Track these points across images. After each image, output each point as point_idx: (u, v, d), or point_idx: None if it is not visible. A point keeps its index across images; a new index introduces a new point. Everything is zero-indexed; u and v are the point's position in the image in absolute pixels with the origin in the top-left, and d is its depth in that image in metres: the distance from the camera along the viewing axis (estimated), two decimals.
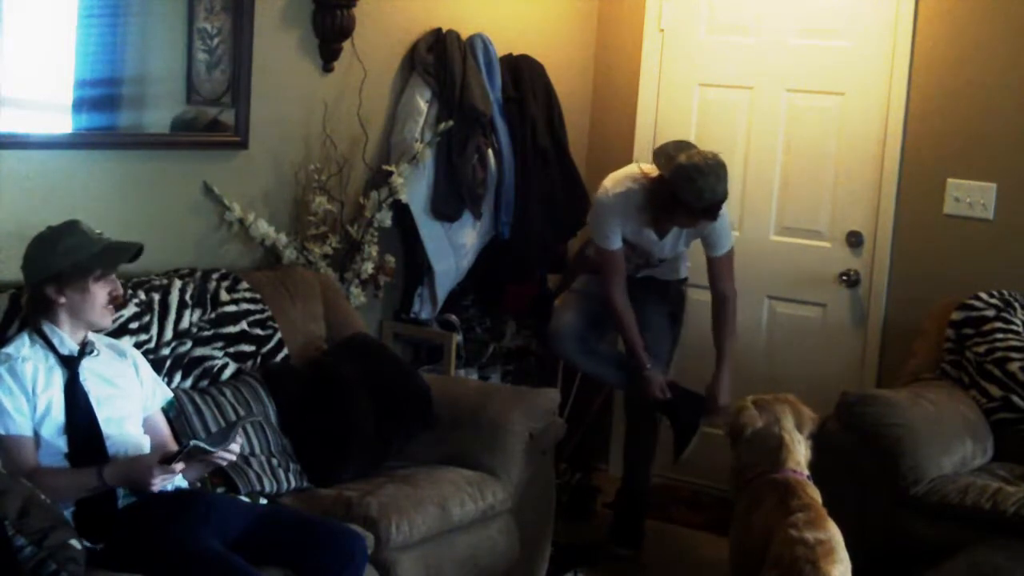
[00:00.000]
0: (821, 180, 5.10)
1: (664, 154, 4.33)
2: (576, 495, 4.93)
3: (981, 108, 4.75)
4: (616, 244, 4.42)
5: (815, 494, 3.34)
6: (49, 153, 3.65)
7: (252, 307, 3.89)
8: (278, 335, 3.92)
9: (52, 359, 3.15)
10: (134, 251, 3.26)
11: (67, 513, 2.97)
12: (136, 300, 3.61)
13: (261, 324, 3.88)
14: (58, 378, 3.14)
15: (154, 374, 3.46)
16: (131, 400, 3.29)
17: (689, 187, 4.15)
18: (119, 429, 3.20)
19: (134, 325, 3.56)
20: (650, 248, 4.52)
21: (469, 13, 4.88)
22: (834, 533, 3.17)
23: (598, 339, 4.72)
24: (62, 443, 3.10)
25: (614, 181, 4.43)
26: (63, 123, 3.74)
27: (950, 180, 4.83)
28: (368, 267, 4.39)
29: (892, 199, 4.94)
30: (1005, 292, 4.48)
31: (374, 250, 4.40)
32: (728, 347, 4.60)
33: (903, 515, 3.92)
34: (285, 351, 3.93)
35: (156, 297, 3.66)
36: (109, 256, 3.21)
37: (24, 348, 3.15)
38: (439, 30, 4.72)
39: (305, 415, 3.72)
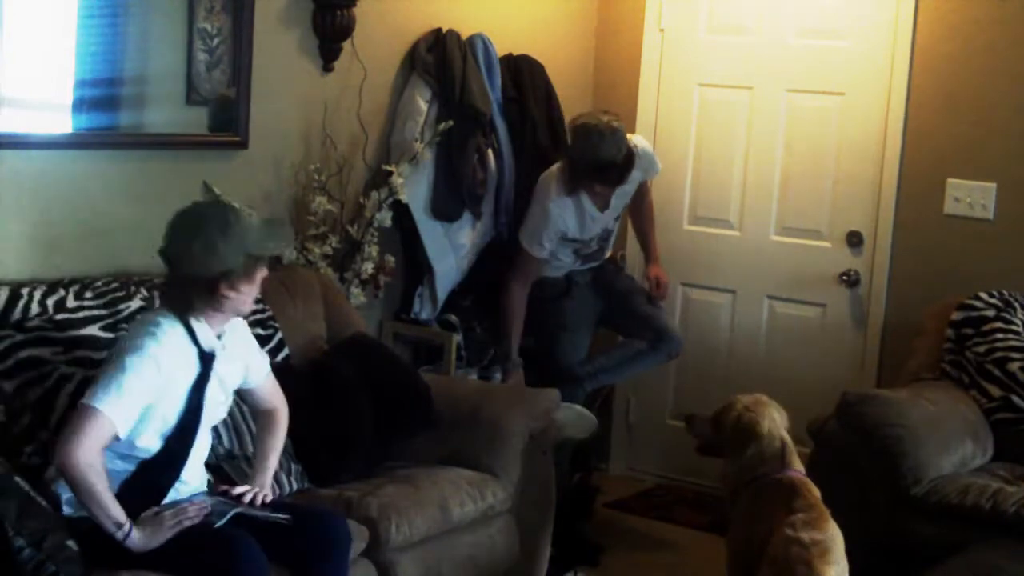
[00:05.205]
0: (821, 180, 5.10)
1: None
2: (576, 495, 4.92)
3: (981, 108, 4.75)
4: (542, 254, 4.57)
5: (818, 494, 3.34)
6: (49, 153, 3.65)
7: (252, 307, 3.87)
8: (278, 335, 3.92)
9: (193, 353, 3.03)
10: (287, 230, 3.19)
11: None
12: (140, 296, 3.61)
13: (261, 324, 3.88)
14: (190, 376, 3.03)
15: (260, 353, 3.35)
16: (226, 407, 3.23)
17: (576, 144, 4.45)
18: (202, 438, 3.14)
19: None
20: (598, 227, 4.63)
21: (469, 13, 4.88)
22: (833, 534, 3.16)
23: (594, 349, 4.88)
24: (156, 444, 2.99)
25: (554, 183, 4.53)
26: (63, 123, 3.74)
27: (950, 180, 4.83)
28: (368, 267, 4.39)
29: (892, 199, 4.94)
30: (1005, 292, 4.49)
31: (374, 250, 4.40)
32: (654, 234, 4.96)
33: (903, 515, 3.92)
34: (285, 351, 3.93)
35: (157, 296, 3.66)
36: (272, 241, 3.14)
37: (175, 332, 2.99)
38: (439, 30, 4.72)
39: (305, 415, 3.71)
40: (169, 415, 3.02)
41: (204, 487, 3.20)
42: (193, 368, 3.04)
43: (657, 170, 4.78)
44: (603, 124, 4.42)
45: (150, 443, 3.00)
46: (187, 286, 3.01)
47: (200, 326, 3.05)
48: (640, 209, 4.94)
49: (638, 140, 4.71)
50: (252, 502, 3.15)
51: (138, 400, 2.92)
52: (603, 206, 4.60)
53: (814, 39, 5.07)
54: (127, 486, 2.99)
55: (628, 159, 4.45)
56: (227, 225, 2.99)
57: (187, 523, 2.93)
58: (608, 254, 4.91)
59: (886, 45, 4.91)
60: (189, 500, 3.06)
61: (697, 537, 4.90)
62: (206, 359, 3.06)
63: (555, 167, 4.60)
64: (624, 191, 4.64)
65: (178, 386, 3.02)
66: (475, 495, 3.69)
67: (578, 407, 4.64)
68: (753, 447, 3.41)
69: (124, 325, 3.48)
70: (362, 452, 3.74)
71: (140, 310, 3.55)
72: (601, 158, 4.38)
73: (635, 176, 4.62)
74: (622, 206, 4.73)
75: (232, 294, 3.02)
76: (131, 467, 3.01)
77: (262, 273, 3.10)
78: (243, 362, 3.22)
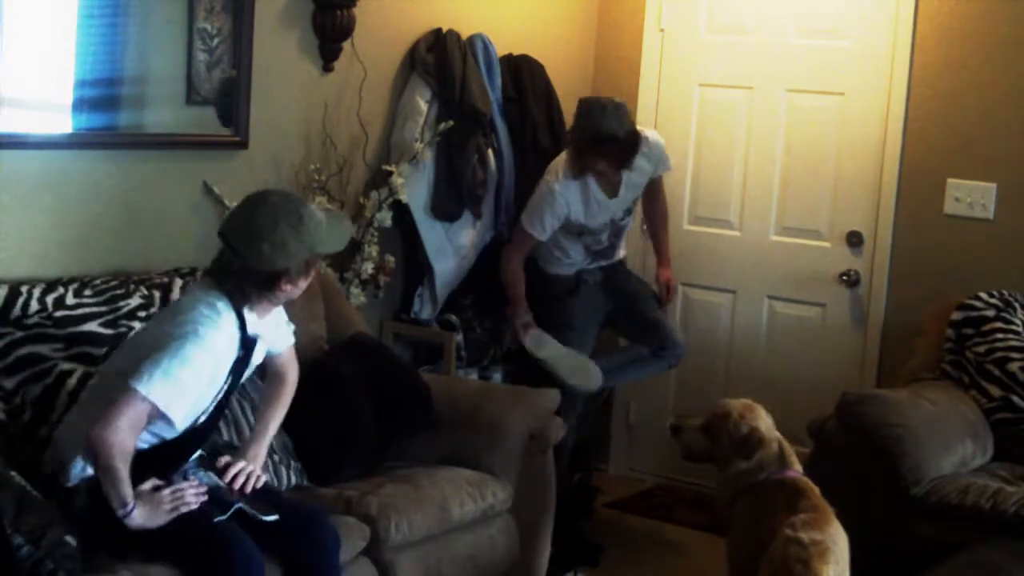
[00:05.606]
0: (821, 180, 5.10)
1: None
2: (576, 495, 4.92)
3: (981, 108, 4.75)
4: (544, 236, 4.57)
5: (818, 493, 3.34)
6: (49, 153, 3.65)
7: None
8: None
9: (238, 337, 3.01)
10: (349, 224, 3.19)
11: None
12: (139, 294, 3.61)
13: None
14: (231, 360, 3.01)
15: (287, 325, 3.31)
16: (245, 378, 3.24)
17: (579, 120, 4.45)
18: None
19: (142, 313, 3.56)
20: (605, 216, 4.60)
21: (469, 13, 4.89)
22: (833, 535, 3.15)
23: (597, 352, 4.86)
24: (186, 424, 2.98)
25: (562, 167, 4.55)
26: (63, 123, 3.74)
27: (950, 180, 4.83)
28: (368, 267, 4.39)
29: (892, 199, 4.94)
30: (1005, 292, 4.49)
31: (374, 250, 4.40)
32: (666, 235, 4.99)
33: (903, 515, 3.92)
34: None
35: (157, 295, 3.66)
36: (337, 239, 3.14)
37: (229, 319, 2.97)
38: (439, 30, 4.72)
39: (305, 415, 3.71)
40: (207, 398, 3.02)
41: (196, 455, 3.20)
42: (235, 353, 3.03)
43: (668, 166, 4.77)
44: (605, 99, 4.47)
45: (183, 424, 3.00)
46: (245, 278, 2.99)
47: (250, 314, 3.05)
48: (654, 208, 4.94)
49: (651, 133, 4.71)
50: (243, 489, 3.14)
51: (193, 389, 2.92)
52: (611, 192, 4.57)
53: (814, 39, 5.07)
54: (145, 458, 2.98)
55: (631, 138, 4.43)
56: (299, 223, 2.97)
57: (184, 509, 2.94)
58: (621, 254, 4.89)
59: (886, 45, 4.91)
60: (184, 475, 3.07)
61: (697, 537, 4.90)
62: (248, 344, 3.06)
63: (563, 153, 4.60)
64: (633, 182, 4.62)
65: (220, 372, 3.02)
66: (475, 495, 3.69)
67: (584, 357, 4.64)
68: (759, 454, 3.41)
69: (124, 322, 3.49)
70: (362, 451, 3.74)
71: (140, 307, 3.55)
72: (602, 130, 4.37)
73: (644, 167, 4.61)
74: (632, 199, 4.70)
75: (289, 287, 3.04)
76: (154, 441, 3.01)
77: (317, 267, 3.12)
78: (272, 339, 3.23)
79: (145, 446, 2.99)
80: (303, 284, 3.07)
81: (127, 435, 2.83)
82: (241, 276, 2.99)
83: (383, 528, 3.39)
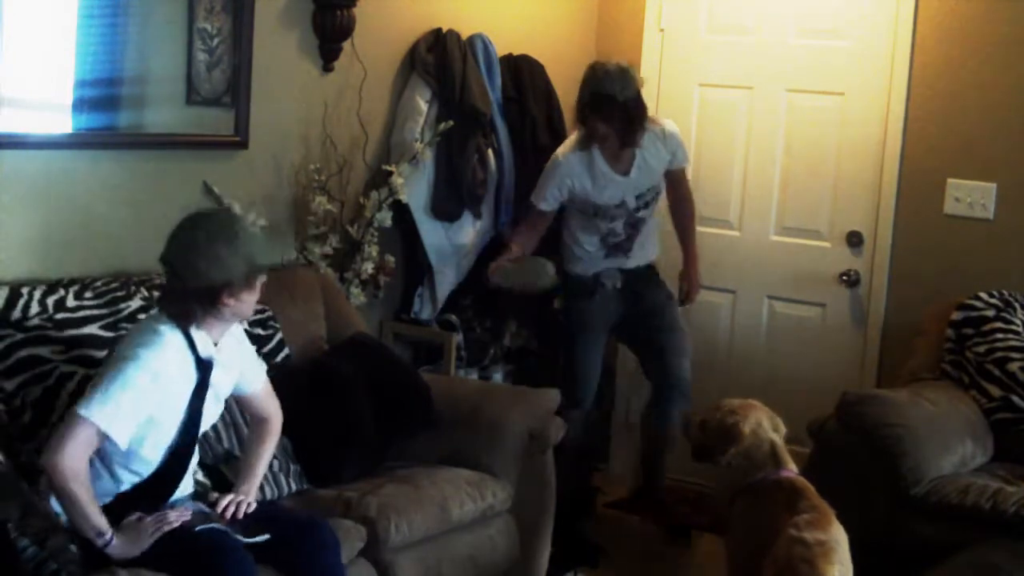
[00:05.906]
0: (821, 180, 5.10)
1: None
2: (576, 495, 4.92)
3: (981, 108, 4.75)
4: (547, 207, 4.56)
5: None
6: (49, 153, 3.65)
7: (254, 311, 3.87)
8: (279, 335, 3.92)
9: (191, 362, 3.01)
10: (288, 237, 3.18)
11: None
12: (140, 295, 3.61)
13: (261, 324, 3.88)
14: (188, 386, 3.01)
15: (256, 361, 3.34)
16: (217, 415, 3.22)
17: (583, 81, 4.45)
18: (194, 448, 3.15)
19: (143, 316, 3.55)
20: (616, 192, 4.54)
21: (469, 13, 4.89)
22: (836, 535, 3.16)
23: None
24: (157, 457, 2.98)
25: (570, 141, 4.56)
26: (63, 123, 3.74)
27: (950, 180, 4.82)
28: (368, 267, 4.39)
29: (892, 199, 4.94)
30: (1005, 292, 4.49)
31: (374, 250, 4.40)
32: (693, 232, 4.91)
33: (903, 515, 3.92)
34: (286, 351, 3.93)
35: (158, 295, 3.66)
36: (275, 251, 3.18)
37: (175, 342, 2.97)
38: (439, 30, 4.72)
39: (305, 415, 3.72)
40: (169, 426, 3.01)
41: (189, 491, 3.19)
42: (191, 378, 3.02)
43: (686, 156, 4.73)
44: (611, 63, 4.45)
45: (151, 455, 3.00)
46: (188, 296, 2.99)
47: (199, 334, 3.03)
48: (678, 203, 4.86)
49: (667, 122, 4.69)
50: (235, 515, 3.12)
51: (133, 411, 2.90)
52: (620, 169, 4.52)
53: (814, 39, 5.07)
54: (126, 498, 2.99)
55: (633, 105, 4.40)
56: (233, 236, 2.98)
57: (167, 528, 2.92)
58: (652, 257, 4.78)
59: (886, 45, 4.91)
60: (171, 505, 3.06)
61: (700, 537, 4.90)
62: (204, 368, 3.04)
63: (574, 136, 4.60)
64: (648, 164, 4.55)
65: (177, 397, 3.00)
66: (475, 495, 3.69)
67: (542, 260, 4.59)
68: (734, 448, 3.41)
69: (124, 324, 3.49)
70: (362, 452, 3.74)
71: (140, 310, 3.55)
72: (601, 90, 4.36)
73: (659, 150, 4.57)
74: (647, 185, 4.60)
75: (232, 302, 3.02)
76: (135, 480, 3.01)
77: (262, 279, 3.10)
78: (237, 370, 3.21)
79: (127, 487, 3.00)
80: (248, 298, 3.05)
81: (76, 458, 2.83)
82: (183, 296, 3.00)
83: (383, 529, 3.39)
